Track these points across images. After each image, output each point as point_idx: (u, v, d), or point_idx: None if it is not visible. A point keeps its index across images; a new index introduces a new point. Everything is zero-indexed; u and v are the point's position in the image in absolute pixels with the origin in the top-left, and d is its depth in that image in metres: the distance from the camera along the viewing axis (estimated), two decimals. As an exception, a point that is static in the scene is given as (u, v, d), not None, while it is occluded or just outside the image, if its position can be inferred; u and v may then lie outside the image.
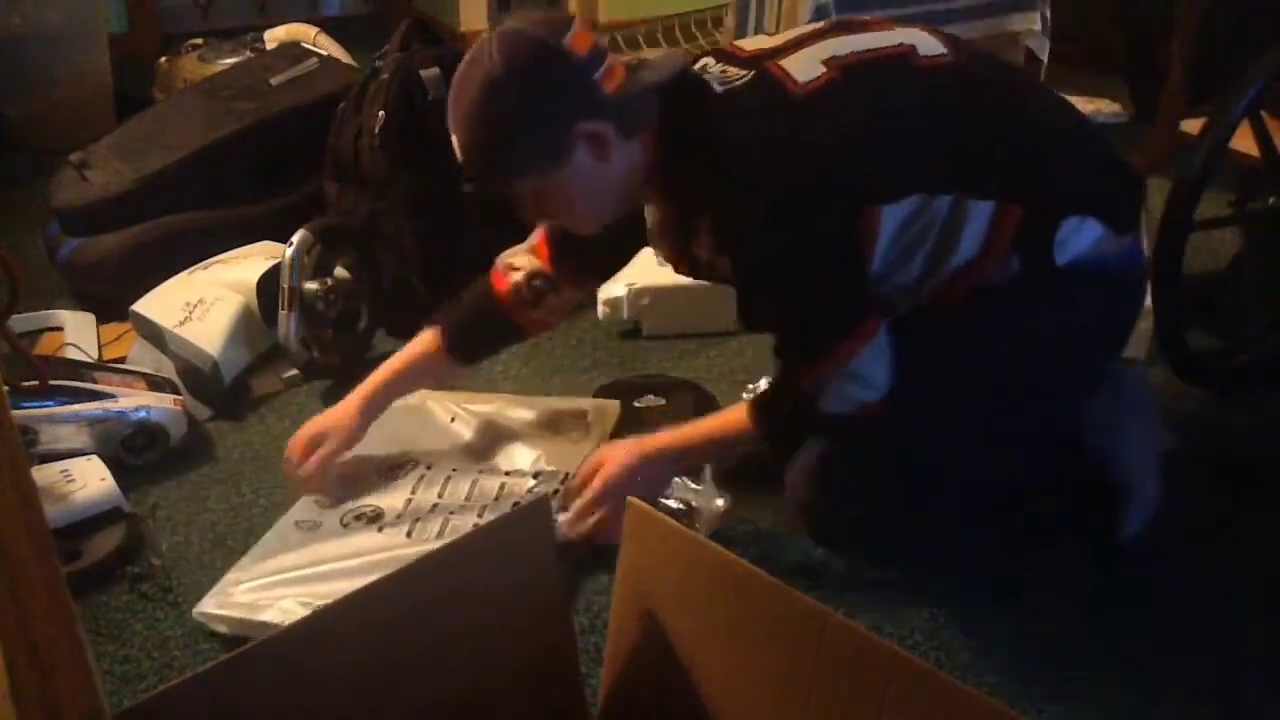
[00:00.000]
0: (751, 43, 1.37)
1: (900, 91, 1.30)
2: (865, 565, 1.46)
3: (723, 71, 1.29)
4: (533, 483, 1.52)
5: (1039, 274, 1.30)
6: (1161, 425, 1.53)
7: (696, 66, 1.33)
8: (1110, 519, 1.46)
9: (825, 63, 1.27)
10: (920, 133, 1.29)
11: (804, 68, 1.27)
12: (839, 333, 1.29)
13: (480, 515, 1.46)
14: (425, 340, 1.57)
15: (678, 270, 1.43)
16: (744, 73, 1.28)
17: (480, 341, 1.61)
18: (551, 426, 1.67)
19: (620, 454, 1.42)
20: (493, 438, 1.65)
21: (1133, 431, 1.47)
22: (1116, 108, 2.98)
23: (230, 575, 1.38)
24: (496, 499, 1.50)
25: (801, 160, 1.24)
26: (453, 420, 1.69)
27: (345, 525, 1.46)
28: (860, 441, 1.36)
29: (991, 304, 1.32)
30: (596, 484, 1.40)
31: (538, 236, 1.54)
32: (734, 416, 1.42)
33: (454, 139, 1.26)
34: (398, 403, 1.70)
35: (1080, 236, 1.30)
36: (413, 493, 1.53)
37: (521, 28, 1.22)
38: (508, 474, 1.56)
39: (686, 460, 1.46)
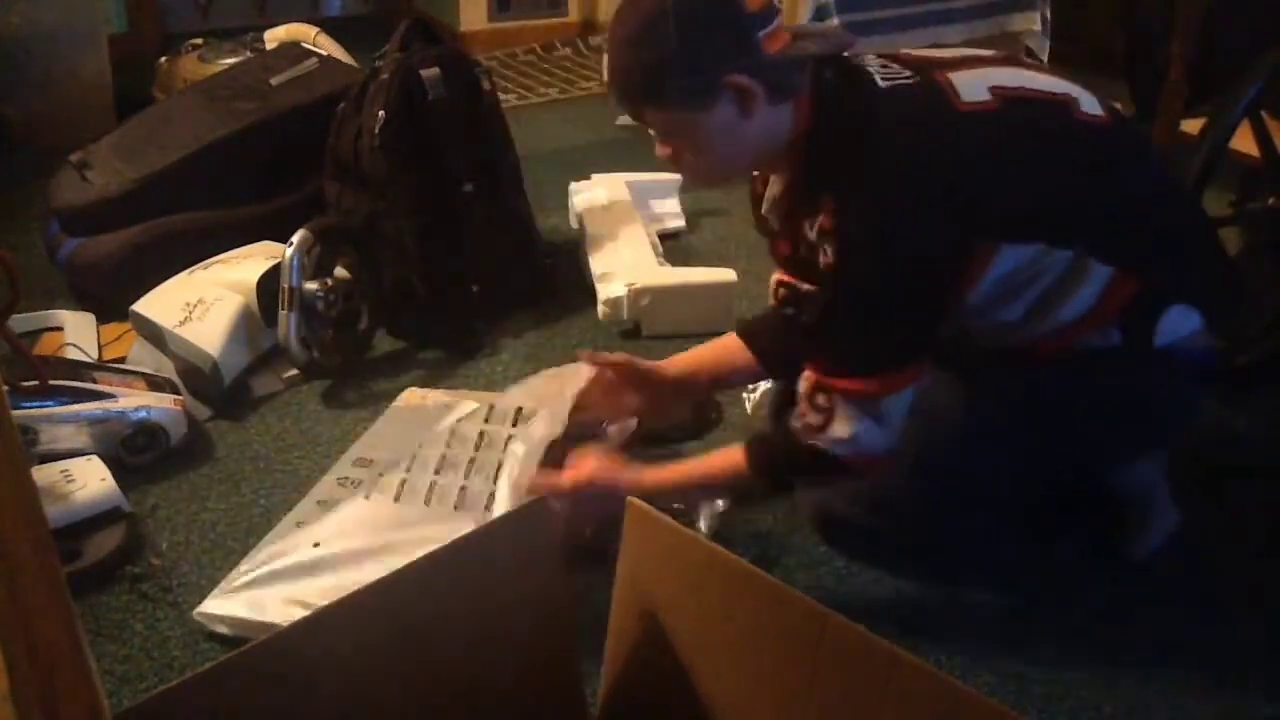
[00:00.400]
0: (918, 52, 1.36)
1: (1054, 138, 1.28)
2: (877, 569, 1.46)
3: (884, 67, 1.28)
4: (512, 430, 1.53)
5: (1137, 351, 1.29)
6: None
7: (866, 59, 1.31)
8: (1125, 536, 1.46)
9: (991, 90, 1.26)
10: (1061, 182, 1.27)
11: (970, 88, 1.25)
12: (890, 361, 1.26)
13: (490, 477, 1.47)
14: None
15: (773, 252, 1.41)
16: (909, 74, 1.27)
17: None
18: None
19: (607, 474, 1.40)
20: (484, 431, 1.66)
21: (1146, 470, 1.48)
22: (1116, 108, 2.98)
23: (231, 575, 1.38)
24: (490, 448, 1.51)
25: (945, 173, 1.22)
26: (449, 410, 1.70)
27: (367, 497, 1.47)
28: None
29: (1081, 365, 1.31)
30: (570, 479, 1.39)
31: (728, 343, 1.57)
32: (729, 459, 1.38)
33: (607, 58, 1.27)
34: (395, 404, 1.70)
35: (1181, 325, 1.29)
36: (407, 471, 1.52)
37: None
38: (513, 424, 1.57)
39: (671, 500, 1.45)
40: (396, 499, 1.45)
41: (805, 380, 1.30)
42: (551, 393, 1.54)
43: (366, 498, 1.46)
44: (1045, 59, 2.62)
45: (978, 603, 1.41)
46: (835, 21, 2.35)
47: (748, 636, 0.93)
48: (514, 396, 1.63)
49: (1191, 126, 2.16)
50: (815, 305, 1.30)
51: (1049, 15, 2.61)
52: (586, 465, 1.41)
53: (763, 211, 1.41)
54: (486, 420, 1.59)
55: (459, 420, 1.61)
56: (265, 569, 1.38)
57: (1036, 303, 1.28)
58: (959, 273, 1.25)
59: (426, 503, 1.45)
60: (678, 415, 1.72)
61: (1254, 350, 1.87)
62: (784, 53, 1.23)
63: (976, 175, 1.23)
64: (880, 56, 1.32)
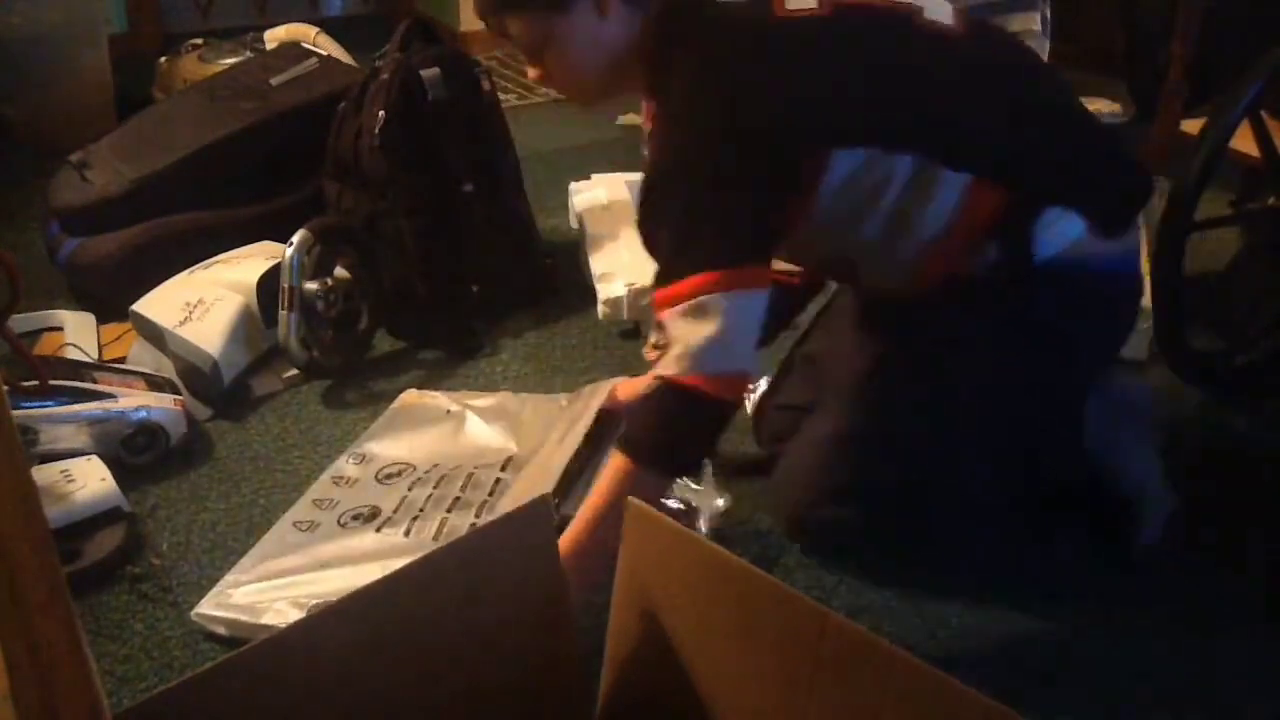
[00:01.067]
0: None
1: (884, 44, 1.27)
2: (857, 571, 1.46)
3: None
4: (500, 474, 1.53)
5: (1017, 267, 1.27)
6: (1153, 429, 1.52)
7: None
8: (1123, 528, 1.45)
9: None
10: (888, 86, 1.25)
11: None
12: (735, 254, 1.20)
13: (477, 514, 1.46)
14: None
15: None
16: None
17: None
18: (539, 415, 1.66)
19: None
20: (487, 432, 1.65)
21: (1135, 439, 1.47)
22: (1116, 108, 2.98)
23: (228, 577, 1.38)
24: (490, 494, 1.50)
25: (757, 79, 1.22)
26: (448, 413, 1.70)
27: (343, 525, 1.46)
28: (849, 451, 1.36)
29: (974, 301, 1.29)
30: None
31: None
32: (614, 467, 1.24)
33: None
34: (395, 404, 1.70)
35: (1060, 230, 1.26)
36: (409, 490, 1.53)
37: None
38: (501, 469, 1.56)
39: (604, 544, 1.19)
40: (406, 534, 1.45)
41: (651, 330, 1.30)
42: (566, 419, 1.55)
43: (377, 531, 1.45)
44: (1045, 59, 2.62)
45: (977, 603, 1.41)
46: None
47: (748, 636, 0.93)
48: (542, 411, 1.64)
49: (1191, 126, 2.16)
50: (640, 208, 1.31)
51: (1049, 15, 2.61)
52: None
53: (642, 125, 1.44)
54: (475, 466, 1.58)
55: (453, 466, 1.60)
56: (263, 570, 1.38)
57: (891, 215, 1.26)
58: (785, 173, 1.23)
59: (435, 538, 1.43)
60: None
61: (1254, 350, 1.87)
62: None
63: (790, 77, 1.22)
64: None
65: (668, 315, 1.21)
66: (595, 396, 1.53)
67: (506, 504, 1.37)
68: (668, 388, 1.20)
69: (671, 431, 1.24)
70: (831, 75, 1.24)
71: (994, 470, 1.36)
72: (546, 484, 1.34)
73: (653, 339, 1.27)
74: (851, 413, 1.40)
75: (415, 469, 1.58)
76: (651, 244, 1.30)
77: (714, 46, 1.24)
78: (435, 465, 1.58)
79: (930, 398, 1.33)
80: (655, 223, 1.29)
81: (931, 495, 1.37)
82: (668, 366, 1.20)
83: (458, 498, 1.50)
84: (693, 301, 1.18)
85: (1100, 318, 1.37)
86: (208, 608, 1.34)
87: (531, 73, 1.35)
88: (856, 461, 1.38)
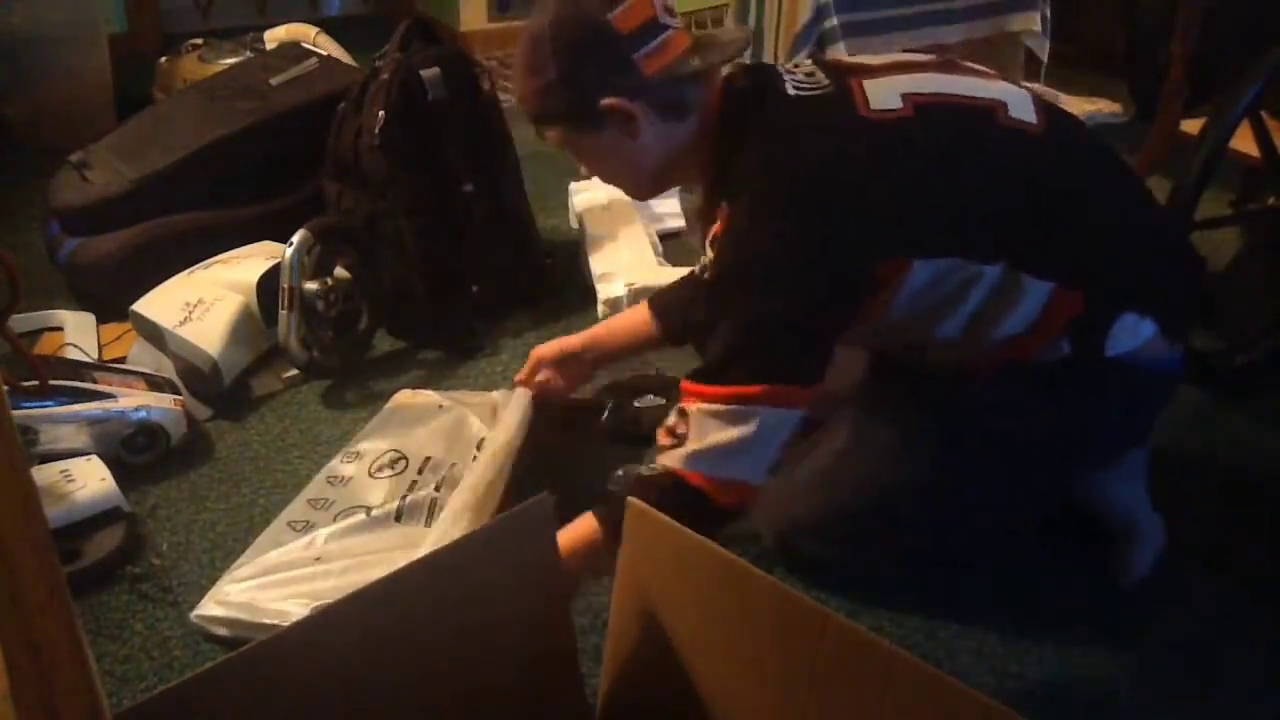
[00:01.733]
0: (858, 59, 1.32)
1: (969, 146, 1.22)
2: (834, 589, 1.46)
3: (808, 75, 1.25)
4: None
5: (1085, 362, 1.27)
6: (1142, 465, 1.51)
7: (787, 66, 1.29)
8: (1115, 563, 1.45)
9: (904, 96, 1.21)
10: (976, 194, 1.21)
11: (882, 95, 1.21)
12: (786, 373, 1.18)
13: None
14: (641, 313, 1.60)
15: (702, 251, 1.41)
16: (826, 82, 1.23)
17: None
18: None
19: None
20: (479, 425, 1.66)
21: (1125, 471, 1.46)
22: (1116, 108, 2.99)
23: (226, 577, 1.38)
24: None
25: (839, 184, 1.17)
26: (440, 408, 1.70)
27: (337, 521, 1.47)
28: (845, 485, 1.36)
29: (1033, 382, 1.28)
30: None
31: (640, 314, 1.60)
32: (584, 528, 1.24)
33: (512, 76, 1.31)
34: (388, 404, 1.70)
35: (1134, 334, 1.26)
36: (402, 481, 1.54)
37: None
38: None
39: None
40: (398, 518, 1.45)
41: (671, 413, 1.24)
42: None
43: (371, 523, 1.45)
44: (1045, 59, 2.62)
45: (977, 604, 1.41)
46: (835, 22, 2.35)
47: (748, 636, 0.93)
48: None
49: (1191, 126, 2.16)
50: (702, 306, 1.30)
51: (1049, 15, 2.61)
52: None
53: (688, 228, 1.42)
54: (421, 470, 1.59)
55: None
56: (260, 567, 1.38)
57: (972, 318, 1.25)
58: (860, 288, 1.20)
59: (427, 522, 1.44)
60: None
61: (1254, 350, 1.87)
62: (668, 70, 1.21)
63: (876, 184, 1.18)
64: (809, 63, 1.29)
65: (697, 409, 1.19)
66: (511, 408, 1.56)
67: (446, 523, 1.38)
68: (673, 480, 1.20)
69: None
70: (916, 185, 1.19)
71: (995, 520, 1.38)
72: (482, 507, 1.38)
73: (670, 421, 1.23)
74: (859, 450, 1.38)
75: (408, 462, 1.58)
76: (704, 335, 1.27)
77: (797, 146, 1.20)
78: (428, 458, 1.59)
79: (950, 452, 1.32)
80: (719, 316, 1.23)
81: (922, 538, 1.38)
82: (677, 461, 1.19)
83: (445, 475, 1.51)
84: (732, 407, 1.17)
85: (1146, 411, 1.38)
86: (207, 609, 1.34)
87: (578, 162, 1.38)
88: (850, 497, 1.37)
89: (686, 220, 1.42)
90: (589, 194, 2.37)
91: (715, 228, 1.27)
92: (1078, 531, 1.50)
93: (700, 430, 1.18)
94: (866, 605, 1.39)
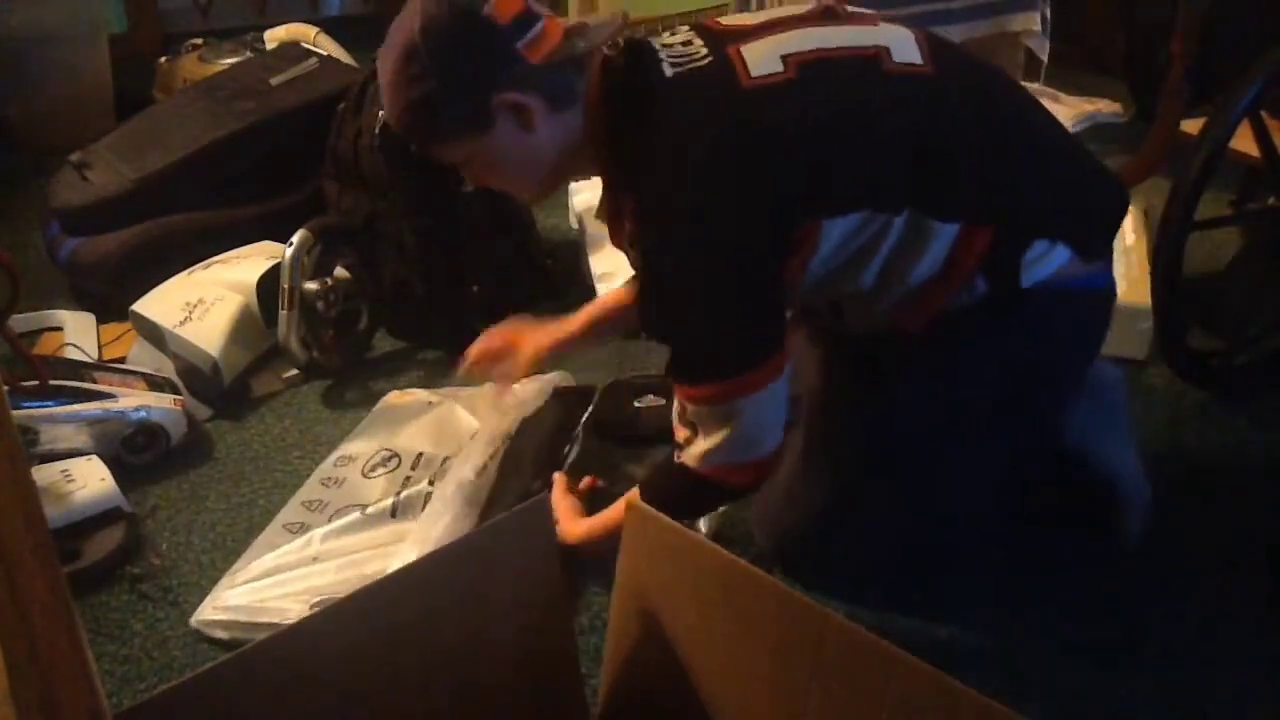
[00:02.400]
0: (733, 19, 1.29)
1: (858, 100, 1.20)
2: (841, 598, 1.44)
3: (685, 46, 1.21)
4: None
5: (1004, 297, 1.25)
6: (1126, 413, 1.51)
7: (665, 39, 1.24)
8: (1108, 525, 1.45)
9: (785, 59, 1.17)
10: (872, 146, 1.19)
11: (762, 60, 1.17)
12: (742, 362, 1.19)
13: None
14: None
15: (616, 246, 1.36)
16: (704, 52, 1.19)
17: None
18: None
19: (560, 529, 1.39)
20: (469, 418, 1.67)
21: (1114, 435, 1.46)
22: (1116, 108, 2.98)
23: (224, 582, 1.38)
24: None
25: (736, 163, 1.14)
26: (430, 404, 1.70)
27: (331, 521, 1.47)
28: (832, 480, 1.35)
29: (960, 333, 1.27)
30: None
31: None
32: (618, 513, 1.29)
33: (385, 104, 1.23)
34: (377, 406, 1.70)
35: (1047, 260, 1.24)
36: (395, 478, 1.55)
37: None
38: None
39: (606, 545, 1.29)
40: (393, 514, 1.45)
41: (675, 405, 1.27)
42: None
43: (366, 520, 1.45)
44: (1045, 59, 2.62)
45: (977, 604, 1.41)
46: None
47: (748, 637, 0.93)
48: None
49: (1191, 126, 2.16)
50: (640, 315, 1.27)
51: (1049, 15, 2.61)
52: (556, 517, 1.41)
53: (595, 216, 1.36)
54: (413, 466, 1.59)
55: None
56: (257, 569, 1.38)
57: (884, 268, 1.23)
58: (780, 257, 1.19)
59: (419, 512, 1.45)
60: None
61: (1254, 350, 1.87)
62: (551, 58, 1.17)
63: (770, 155, 1.15)
64: (695, 33, 1.24)
65: (691, 409, 1.23)
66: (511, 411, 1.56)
67: (434, 514, 1.39)
68: (688, 473, 1.26)
69: (688, 508, 1.33)
70: (810, 148, 1.17)
71: (978, 494, 1.36)
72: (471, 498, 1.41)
73: (677, 411, 1.26)
74: (827, 449, 1.37)
75: (400, 459, 1.59)
76: (660, 337, 1.28)
77: (686, 132, 1.16)
78: (420, 454, 1.59)
79: (908, 430, 1.31)
80: (662, 324, 1.25)
81: (915, 531, 1.37)
82: (690, 459, 1.25)
83: (437, 470, 1.52)
84: (712, 407, 1.21)
85: (1081, 335, 1.36)
86: (205, 614, 1.34)
87: (470, 179, 1.31)
88: (823, 495, 1.36)
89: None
90: (589, 194, 2.37)
91: (626, 229, 1.22)
92: (1077, 531, 1.50)
93: (702, 428, 1.23)
94: (866, 605, 1.39)
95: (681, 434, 1.26)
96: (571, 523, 1.40)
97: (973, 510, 1.38)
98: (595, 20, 1.23)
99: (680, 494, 1.28)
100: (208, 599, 1.36)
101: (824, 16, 1.27)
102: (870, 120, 1.20)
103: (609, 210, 1.29)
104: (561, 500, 1.45)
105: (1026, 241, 1.24)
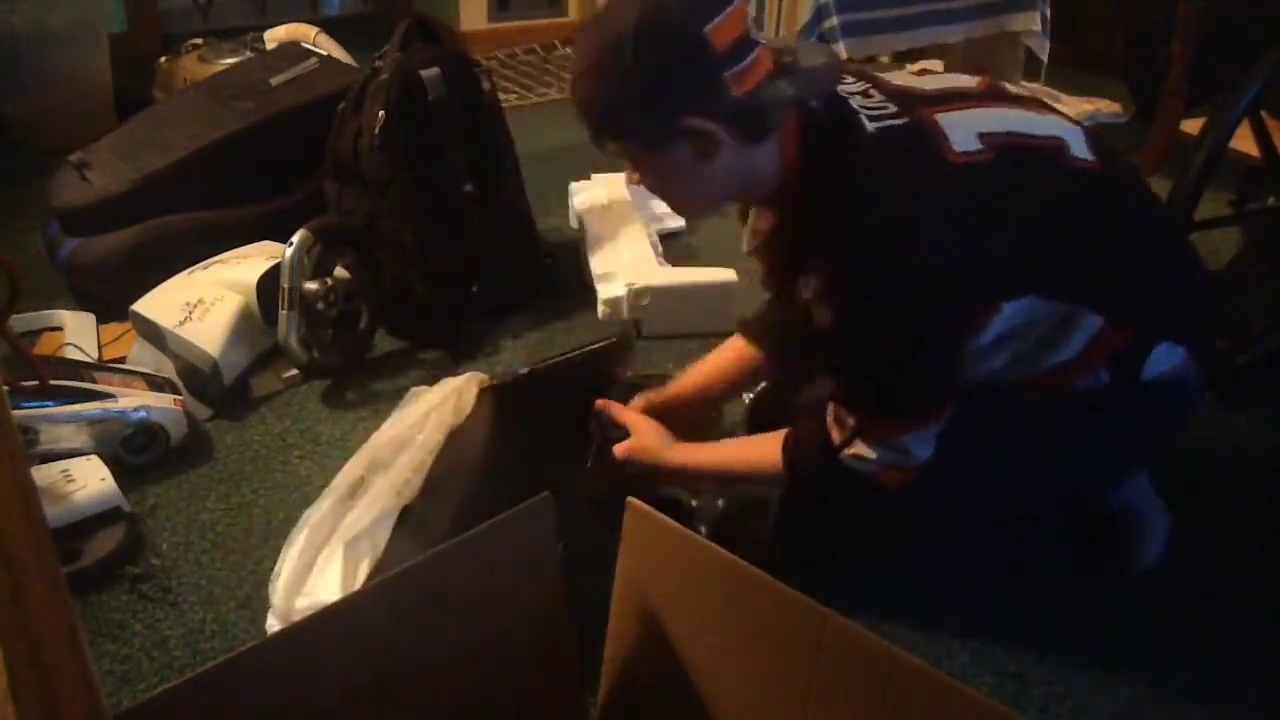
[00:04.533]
0: (904, 79, 1.28)
1: (1048, 191, 1.22)
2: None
3: (867, 97, 1.21)
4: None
5: (1123, 388, 1.27)
6: None
7: (844, 81, 1.24)
8: (1124, 553, 1.46)
9: (981, 137, 1.19)
10: (1058, 236, 1.22)
11: (961, 135, 1.18)
12: (916, 412, 1.24)
13: None
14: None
15: (765, 284, 1.39)
16: (895, 110, 1.19)
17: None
18: None
19: (652, 451, 1.42)
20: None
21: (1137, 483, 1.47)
22: (1116, 108, 2.99)
23: (280, 592, 1.35)
24: None
25: (947, 239, 1.15)
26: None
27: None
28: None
29: (1070, 402, 1.29)
30: (622, 450, 1.43)
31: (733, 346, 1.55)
32: (766, 453, 1.34)
33: (571, 82, 1.19)
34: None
35: (1167, 360, 1.28)
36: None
37: None
38: None
39: (703, 482, 1.46)
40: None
41: (832, 396, 1.27)
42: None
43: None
44: (1045, 59, 2.62)
45: (977, 604, 1.41)
46: (835, 21, 2.35)
47: (747, 637, 0.93)
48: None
49: (1191, 126, 2.16)
50: (825, 354, 1.27)
51: (1049, 15, 2.61)
52: (641, 436, 1.42)
53: (745, 248, 1.36)
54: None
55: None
56: (299, 565, 1.36)
57: (1028, 353, 1.25)
58: (963, 333, 1.21)
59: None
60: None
61: (1254, 350, 1.87)
62: (756, 93, 1.13)
63: (976, 234, 1.17)
64: (858, 81, 1.24)
65: (860, 426, 1.25)
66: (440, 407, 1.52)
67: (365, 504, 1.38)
68: (841, 464, 1.28)
69: (829, 483, 1.31)
70: (1009, 228, 1.19)
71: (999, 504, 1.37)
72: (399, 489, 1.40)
73: (836, 414, 1.29)
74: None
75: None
76: (850, 384, 1.27)
77: (901, 188, 1.15)
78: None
79: (980, 470, 1.32)
80: (857, 371, 1.25)
81: (928, 541, 1.39)
82: (853, 458, 1.27)
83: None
84: (888, 437, 1.24)
85: (1171, 424, 1.39)
86: (276, 619, 1.32)
87: (629, 176, 1.27)
88: (858, 507, 1.35)
89: (744, 244, 1.37)
90: (589, 194, 2.37)
91: (814, 281, 1.19)
92: (1077, 531, 1.50)
93: (866, 441, 1.26)
94: (866, 605, 1.39)
95: (837, 434, 1.27)
96: (665, 447, 1.41)
97: (983, 520, 1.40)
98: (805, 55, 1.19)
99: (832, 477, 1.29)
100: (272, 614, 1.33)
101: (994, 93, 1.29)
102: (1057, 211, 1.22)
103: (777, 251, 1.29)
104: (642, 420, 1.45)
105: (1156, 342, 1.27)
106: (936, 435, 1.25)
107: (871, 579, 1.44)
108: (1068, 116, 1.32)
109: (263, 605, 1.39)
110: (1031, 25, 2.60)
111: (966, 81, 1.30)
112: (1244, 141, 1.77)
